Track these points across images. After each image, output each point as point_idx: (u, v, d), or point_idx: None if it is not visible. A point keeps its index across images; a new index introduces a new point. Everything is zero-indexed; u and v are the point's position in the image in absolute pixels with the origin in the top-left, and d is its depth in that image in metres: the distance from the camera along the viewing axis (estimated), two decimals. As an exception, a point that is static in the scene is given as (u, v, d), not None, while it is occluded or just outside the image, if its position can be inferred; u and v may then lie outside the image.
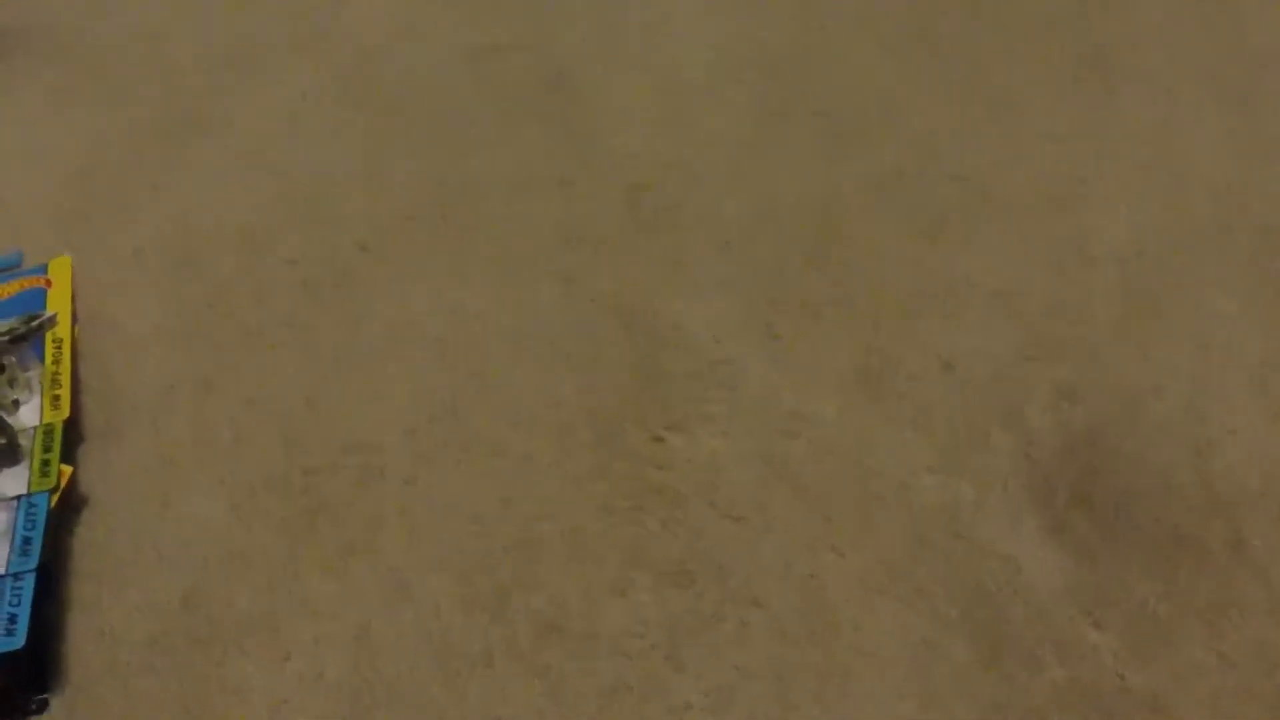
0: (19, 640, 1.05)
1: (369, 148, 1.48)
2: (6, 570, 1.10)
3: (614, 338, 1.20)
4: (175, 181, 1.50)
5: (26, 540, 1.12)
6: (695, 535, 1.05)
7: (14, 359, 1.26)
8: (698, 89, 1.46)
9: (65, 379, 1.26)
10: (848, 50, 1.47)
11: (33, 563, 1.10)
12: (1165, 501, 1.04)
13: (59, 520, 1.15)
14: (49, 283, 1.38)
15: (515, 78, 1.53)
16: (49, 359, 1.28)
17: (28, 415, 1.23)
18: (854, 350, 1.16)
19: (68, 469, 1.19)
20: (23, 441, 1.19)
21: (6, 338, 1.28)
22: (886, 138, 1.35)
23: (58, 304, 1.35)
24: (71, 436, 1.21)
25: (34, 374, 1.26)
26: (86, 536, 1.15)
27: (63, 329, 1.32)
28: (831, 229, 1.27)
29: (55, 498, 1.15)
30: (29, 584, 1.09)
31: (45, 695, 1.07)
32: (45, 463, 1.18)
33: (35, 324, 1.30)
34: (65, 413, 1.22)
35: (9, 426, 1.19)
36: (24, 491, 1.16)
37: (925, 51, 1.46)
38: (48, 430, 1.21)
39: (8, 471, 1.18)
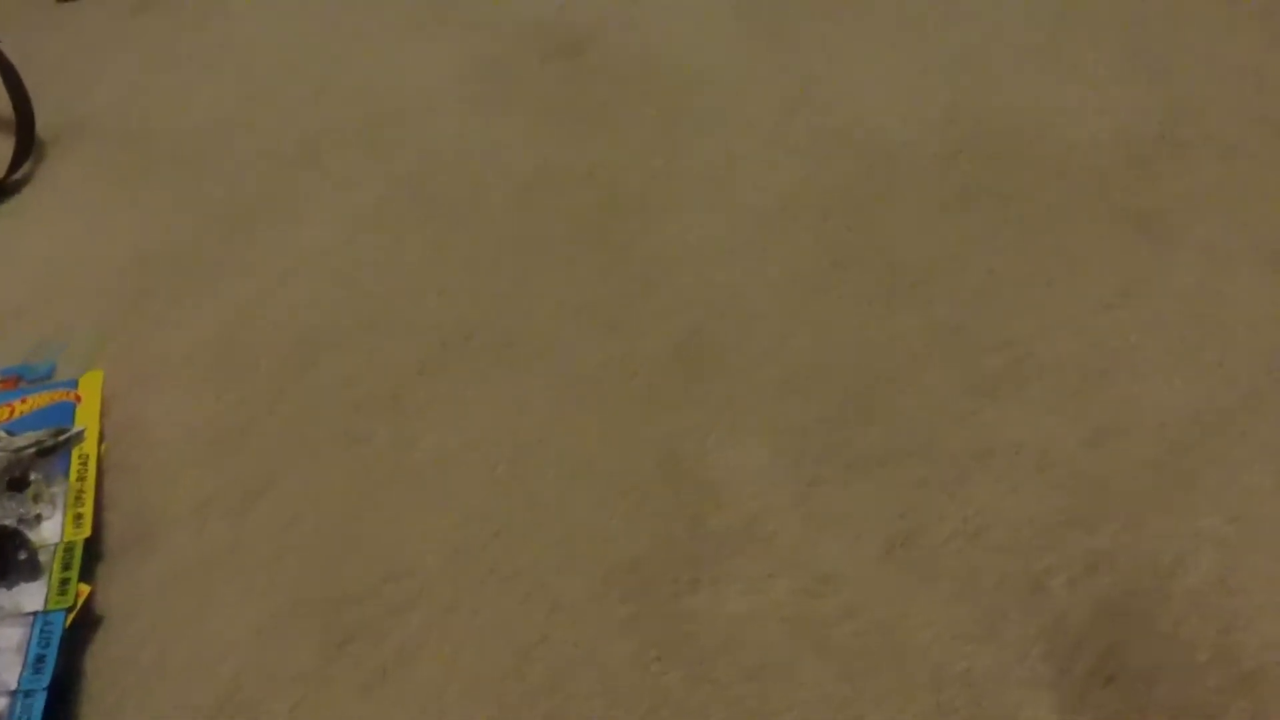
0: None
1: (431, 262, 1.52)
2: (19, 686, 1.11)
3: (658, 483, 1.23)
4: (237, 281, 1.53)
5: (40, 658, 1.13)
6: (720, 692, 1.07)
7: (41, 474, 1.28)
8: (758, 231, 1.49)
9: (89, 497, 1.28)
10: (907, 204, 1.51)
11: (45, 681, 1.11)
12: (1191, 678, 1.05)
13: (75, 638, 1.16)
14: (78, 398, 1.39)
15: (580, 203, 1.57)
16: (74, 475, 1.30)
17: (49, 531, 1.24)
18: (893, 510, 1.19)
19: (85, 588, 1.20)
20: (43, 558, 1.21)
21: (34, 450, 1.30)
22: (942, 294, 1.38)
23: (86, 419, 1.36)
24: (93, 553, 1.23)
25: (59, 490, 1.28)
26: (108, 651, 1.17)
27: (89, 445, 1.33)
28: (882, 383, 1.30)
29: (71, 617, 1.17)
30: (39, 702, 1.10)
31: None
32: (64, 581, 1.19)
33: (63, 438, 1.32)
34: (86, 531, 1.24)
35: (30, 542, 1.21)
36: (41, 608, 1.17)
37: (982, 207, 1.49)
38: (68, 548, 1.22)
39: (26, 587, 1.19)
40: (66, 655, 1.13)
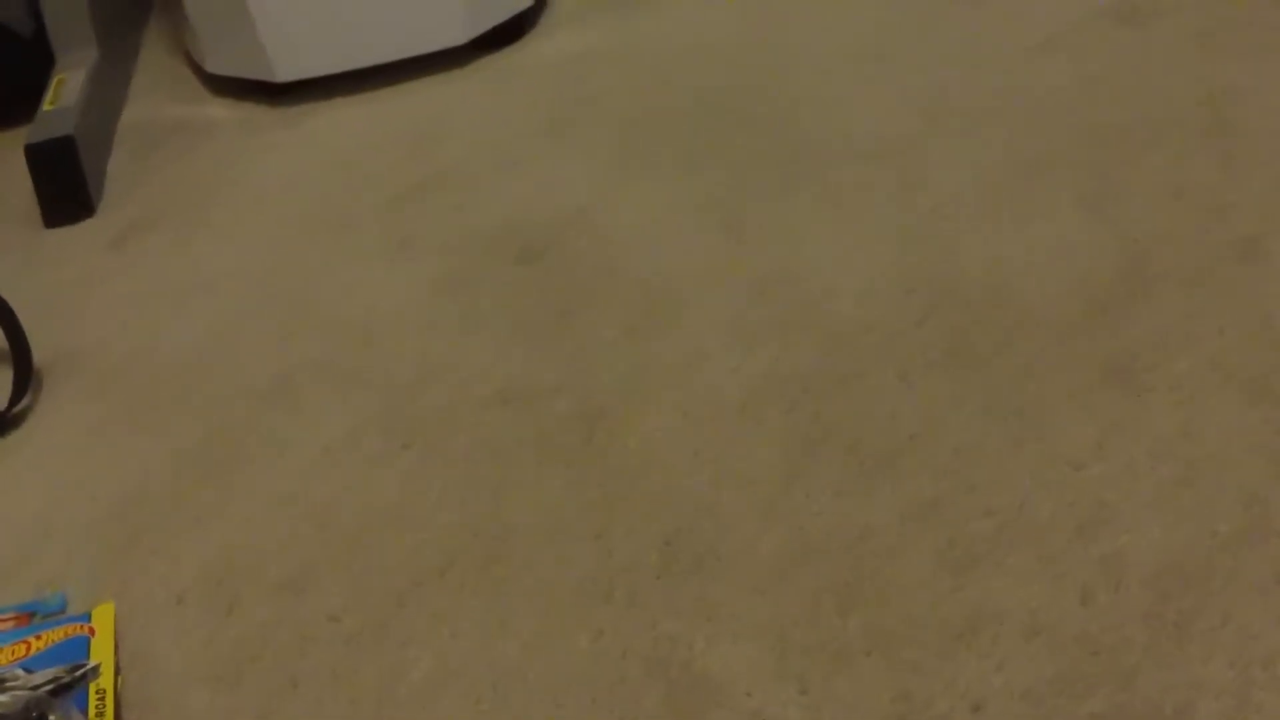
0: None
1: (406, 491, 1.55)
2: None
3: (648, 692, 1.25)
4: (217, 521, 1.57)
5: None
6: None
7: (59, 713, 1.29)
8: (727, 427, 1.53)
9: None
10: (872, 380, 1.54)
11: None
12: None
13: None
14: (92, 631, 1.41)
15: (549, 419, 1.60)
16: (92, 711, 1.31)
17: None
18: (885, 696, 1.20)
19: None
20: None
21: (50, 687, 1.31)
22: (915, 469, 1.41)
23: (101, 653, 1.38)
24: None
25: None
26: None
27: (105, 679, 1.34)
28: (863, 568, 1.32)
29: None
30: None
31: None
32: None
33: (79, 674, 1.33)
34: None
35: None
36: None
37: (946, 376, 1.52)
38: None
39: None
40: None
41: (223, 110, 2.57)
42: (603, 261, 1.86)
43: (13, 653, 1.40)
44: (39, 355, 1.91)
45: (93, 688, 1.33)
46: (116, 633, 1.42)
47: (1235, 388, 1.44)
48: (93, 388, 1.86)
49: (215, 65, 2.58)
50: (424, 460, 1.58)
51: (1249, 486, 1.33)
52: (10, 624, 1.46)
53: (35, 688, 1.31)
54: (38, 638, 1.41)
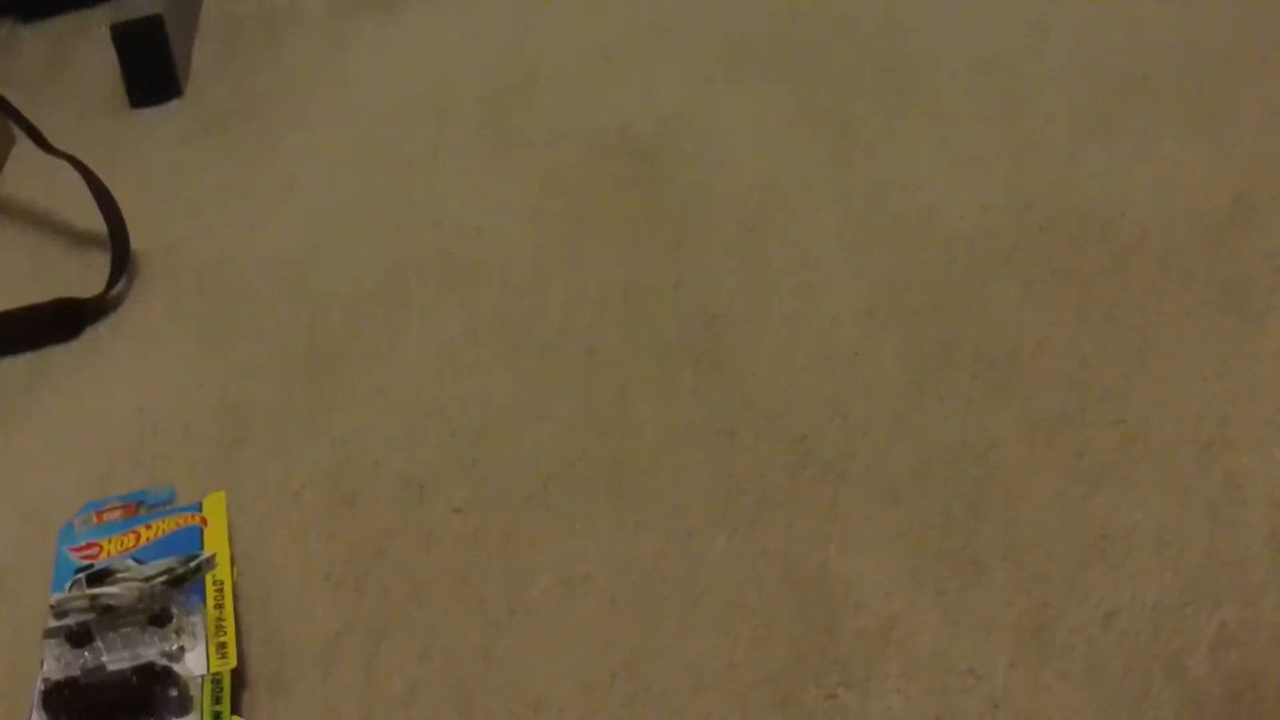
0: None
1: (526, 389, 1.56)
2: None
3: (783, 594, 1.28)
4: (331, 419, 1.57)
5: None
6: (877, 797, 1.11)
7: (179, 605, 1.29)
8: (851, 333, 1.54)
9: (230, 625, 1.29)
10: (994, 292, 1.55)
11: None
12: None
13: None
14: (204, 521, 1.41)
15: (668, 319, 1.62)
16: (210, 603, 1.30)
17: (194, 663, 1.25)
18: (1020, 604, 1.23)
19: None
20: (190, 692, 1.22)
21: (165, 579, 1.31)
22: (1040, 382, 1.43)
23: (215, 543, 1.38)
24: (237, 684, 1.25)
25: (197, 619, 1.29)
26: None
27: (222, 570, 1.34)
28: (993, 478, 1.34)
29: None
30: None
31: None
32: (216, 715, 1.20)
33: (194, 565, 1.33)
34: (232, 662, 1.25)
35: (179, 677, 1.22)
36: None
37: (1067, 289, 1.54)
38: (216, 680, 1.23)
39: None
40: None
41: (311, -4, 2.58)
42: (712, 163, 1.87)
43: (121, 543, 1.39)
44: (135, 246, 1.92)
45: (209, 579, 1.33)
46: (230, 526, 1.42)
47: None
48: (191, 281, 1.87)
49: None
50: (543, 358, 1.60)
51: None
52: (117, 514, 1.46)
53: (148, 579, 1.30)
54: (147, 528, 1.40)
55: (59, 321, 1.81)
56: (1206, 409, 1.38)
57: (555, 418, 1.51)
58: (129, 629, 1.27)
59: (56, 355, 1.78)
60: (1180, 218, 1.62)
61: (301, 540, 1.43)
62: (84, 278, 1.89)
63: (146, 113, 2.31)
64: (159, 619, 1.27)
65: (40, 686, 1.24)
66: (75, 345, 1.79)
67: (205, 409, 1.62)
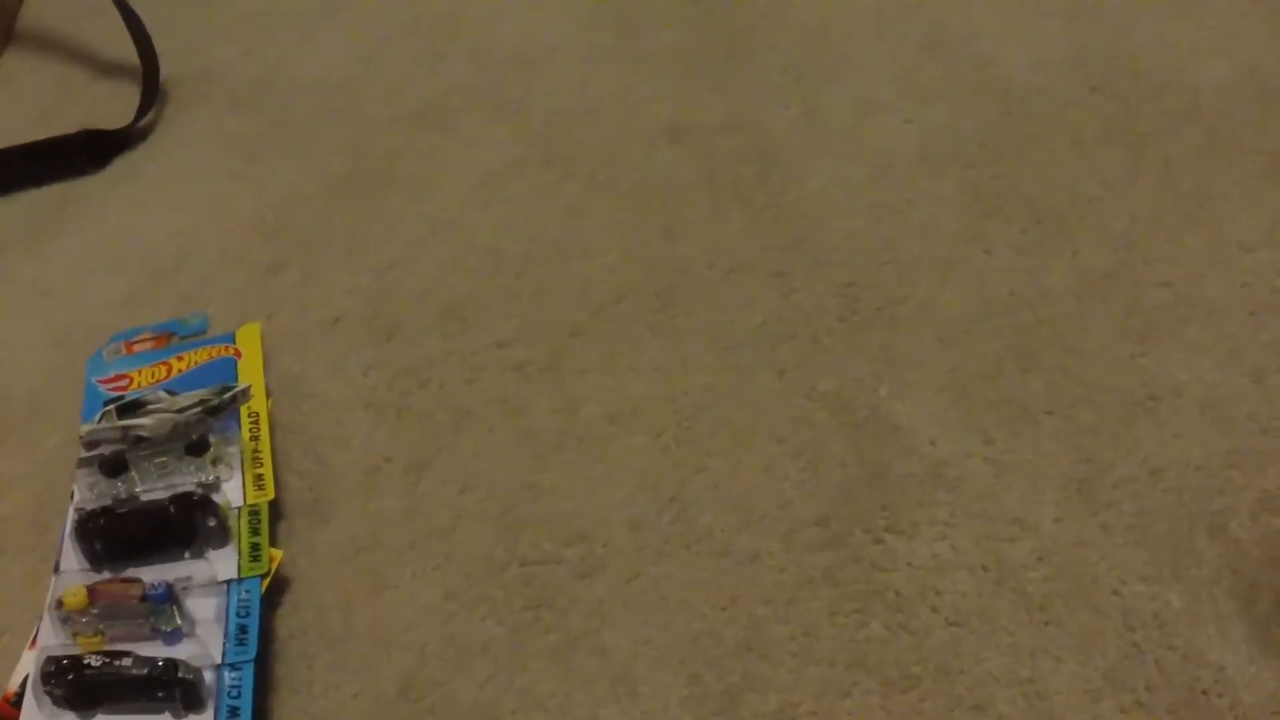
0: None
1: (573, 223, 1.56)
2: (224, 660, 1.13)
3: (832, 435, 1.29)
4: (373, 246, 1.57)
5: (242, 629, 1.15)
6: (919, 639, 1.14)
7: (216, 435, 1.28)
8: (904, 179, 1.54)
9: (266, 457, 1.29)
10: (1048, 147, 1.55)
11: (250, 653, 1.13)
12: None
13: (267, 604, 1.20)
14: (238, 352, 1.40)
15: (721, 157, 1.61)
16: (246, 434, 1.31)
17: (231, 494, 1.25)
18: (1067, 456, 1.24)
19: (278, 553, 1.22)
20: (229, 523, 1.23)
21: (200, 409, 1.30)
22: (1091, 238, 1.43)
23: (250, 375, 1.37)
24: (273, 515, 1.26)
25: (233, 450, 1.29)
26: (294, 618, 1.22)
27: (258, 402, 1.34)
28: (1043, 331, 1.35)
29: (266, 583, 1.19)
30: (249, 676, 1.12)
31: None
32: (255, 546, 1.21)
33: (229, 396, 1.32)
34: (270, 494, 1.25)
35: (219, 507, 1.22)
36: (234, 576, 1.19)
37: (1119, 148, 1.53)
38: (253, 512, 1.24)
39: (217, 554, 1.21)
40: (261, 623, 1.16)
41: None
42: (767, 3, 1.85)
43: (153, 374, 1.39)
44: (172, 69, 1.90)
45: (244, 411, 1.33)
46: (265, 356, 1.41)
47: None
48: (226, 108, 1.85)
49: None
50: (590, 193, 1.59)
51: None
52: (148, 344, 1.45)
53: (182, 410, 1.30)
54: (179, 359, 1.40)
55: (87, 152, 1.78)
56: (1255, 275, 1.38)
57: (602, 252, 1.51)
58: (165, 458, 1.27)
59: (87, 183, 1.76)
60: (1232, 84, 1.61)
61: (341, 369, 1.43)
62: (111, 107, 1.87)
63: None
64: (196, 448, 1.27)
65: (73, 516, 1.24)
66: (108, 172, 1.78)
67: (243, 234, 1.62)
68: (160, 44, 1.89)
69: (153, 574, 1.18)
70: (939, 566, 1.17)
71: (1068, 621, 1.13)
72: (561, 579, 1.21)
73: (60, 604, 1.15)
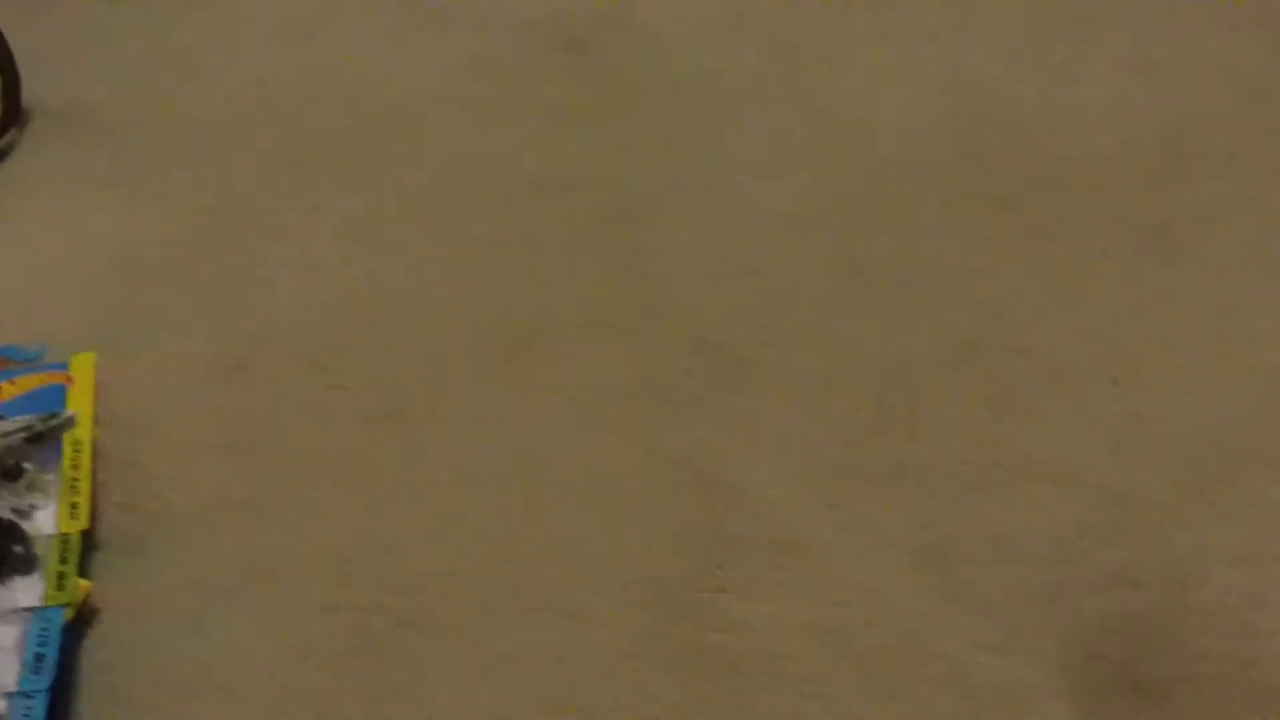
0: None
1: (431, 273, 1.53)
2: (17, 688, 1.10)
3: (674, 495, 1.26)
4: (228, 286, 1.54)
5: (39, 657, 1.12)
6: (750, 701, 1.10)
7: (32, 463, 1.27)
8: (767, 240, 1.52)
9: (85, 486, 1.27)
10: (913, 213, 1.54)
11: (45, 682, 1.10)
12: (1212, 690, 1.08)
13: (73, 635, 1.16)
14: (70, 379, 1.37)
15: (584, 214, 1.59)
16: (67, 463, 1.28)
17: (44, 522, 1.23)
18: (914, 523, 1.22)
19: (85, 584, 1.19)
20: (37, 550, 1.19)
21: (24, 435, 1.28)
22: (954, 305, 1.42)
23: (78, 403, 1.35)
24: (88, 545, 1.23)
25: (52, 478, 1.26)
26: (103, 652, 1.17)
27: (83, 431, 1.31)
28: (898, 396, 1.33)
29: (70, 613, 1.16)
30: (41, 704, 1.09)
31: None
32: (61, 575, 1.18)
33: (54, 423, 1.30)
34: (84, 523, 1.23)
35: (26, 534, 1.20)
36: (37, 604, 1.16)
37: (989, 215, 1.52)
38: (64, 540, 1.21)
39: (21, 581, 1.18)
40: (64, 654, 1.13)
41: None
42: (646, 62, 1.84)
43: None
44: (45, 101, 1.86)
45: (68, 439, 1.30)
46: (102, 388, 1.38)
47: (1271, 271, 1.44)
48: (99, 142, 1.81)
49: None
50: (451, 243, 1.57)
51: (1277, 366, 1.34)
52: None
53: (7, 435, 1.28)
54: (10, 383, 1.38)
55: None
56: (1118, 346, 1.37)
57: (456, 303, 1.48)
58: (-23, 483, 1.24)
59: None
60: (1107, 156, 1.61)
61: (184, 407, 1.39)
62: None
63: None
64: (11, 474, 1.25)
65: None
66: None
67: (98, 269, 1.58)
68: (37, 78, 1.85)
69: (-47, 599, 1.14)
70: (774, 629, 1.14)
71: (905, 691, 1.10)
72: (387, 628, 1.17)
73: None
